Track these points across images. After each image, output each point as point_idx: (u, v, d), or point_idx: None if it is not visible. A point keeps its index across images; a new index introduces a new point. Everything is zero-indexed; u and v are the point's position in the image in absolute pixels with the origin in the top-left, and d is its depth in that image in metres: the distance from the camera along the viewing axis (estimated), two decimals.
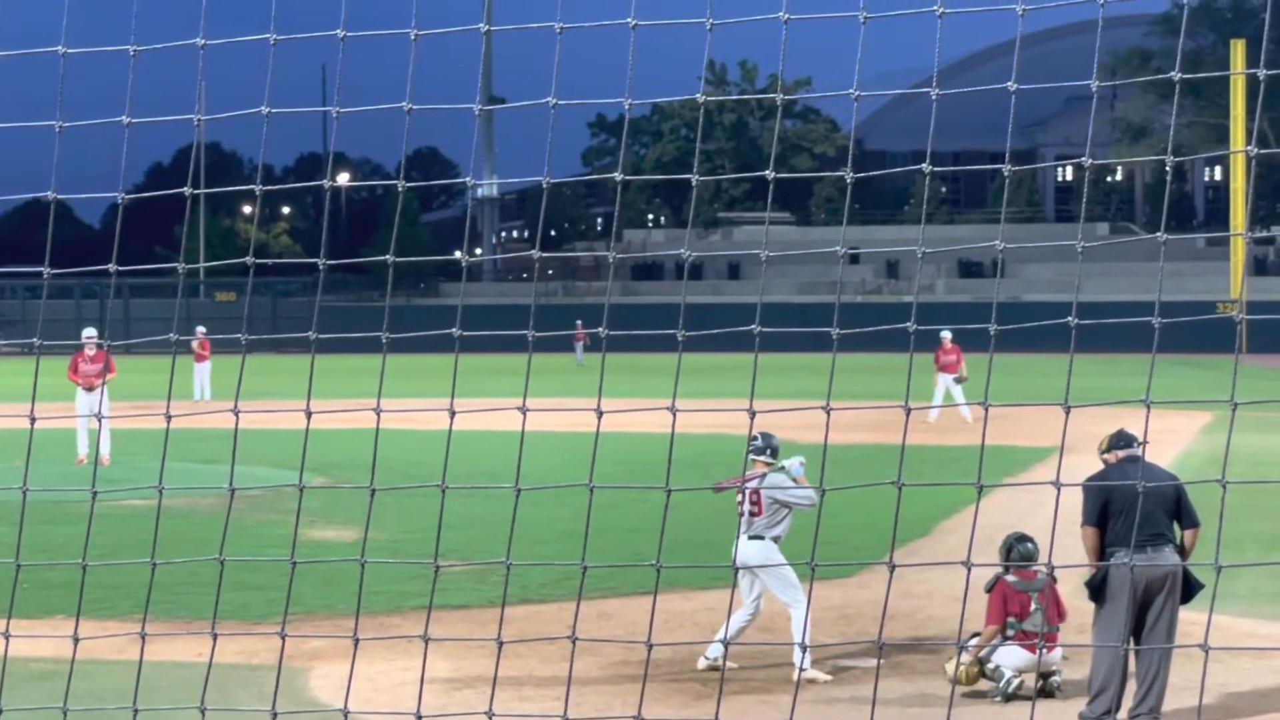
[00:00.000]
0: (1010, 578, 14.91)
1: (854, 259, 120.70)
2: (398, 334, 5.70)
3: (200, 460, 30.07)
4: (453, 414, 5.69)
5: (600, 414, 5.73)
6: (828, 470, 6.07)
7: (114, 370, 33.69)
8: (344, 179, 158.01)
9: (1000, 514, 24.05)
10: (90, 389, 32.15)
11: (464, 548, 20.80)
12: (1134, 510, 13.22)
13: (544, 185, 6.07)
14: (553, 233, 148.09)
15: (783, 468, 15.55)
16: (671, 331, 5.98)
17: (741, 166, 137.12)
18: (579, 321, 77.78)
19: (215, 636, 6.44)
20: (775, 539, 15.44)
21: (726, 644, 14.81)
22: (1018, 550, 14.96)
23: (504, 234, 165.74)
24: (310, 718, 12.88)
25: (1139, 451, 14.03)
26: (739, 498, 15.54)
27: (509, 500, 6.29)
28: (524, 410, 5.67)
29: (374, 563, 6.23)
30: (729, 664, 15.12)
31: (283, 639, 6.18)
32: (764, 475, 15.45)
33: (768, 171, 5.90)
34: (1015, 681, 14.41)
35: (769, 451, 15.60)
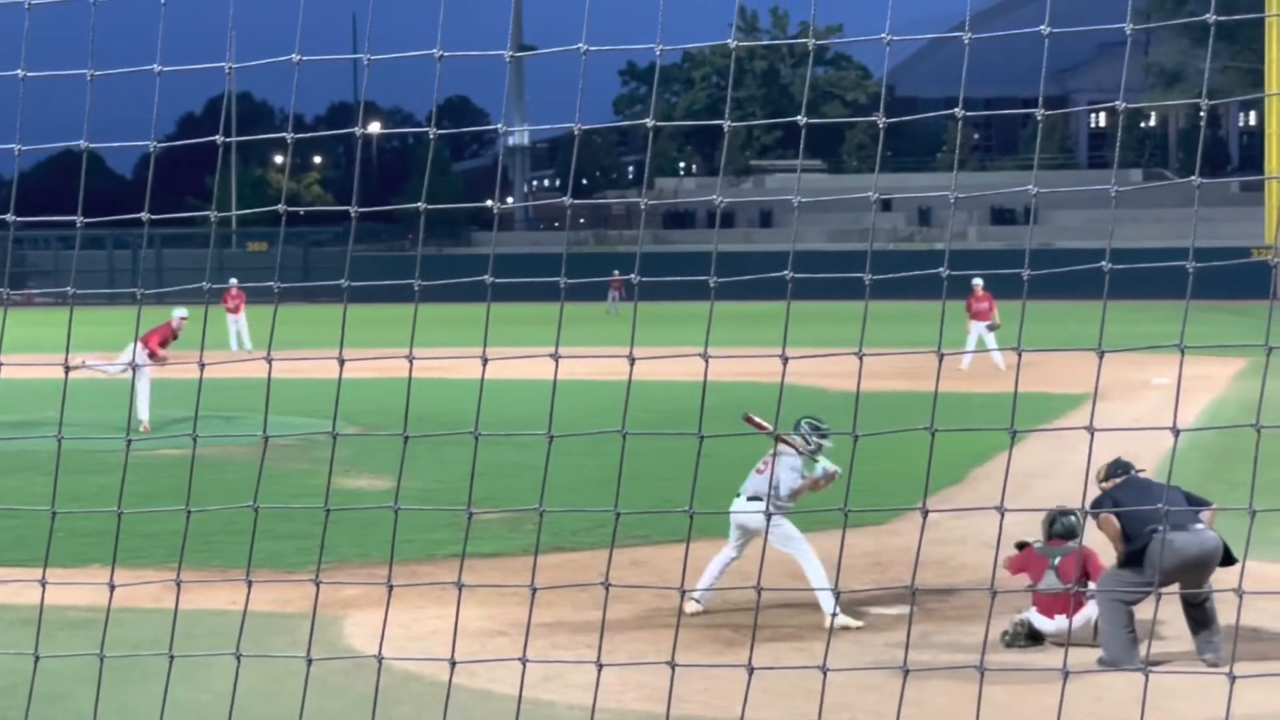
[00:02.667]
0: (1038, 544, 14.95)
1: (886, 206, 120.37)
2: (430, 282, 5.70)
3: (234, 410, 30.14)
4: (485, 361, 5.69)
5: (632, 361, 5.73)
6: (861, 417, 6.06)
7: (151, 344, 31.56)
8: (375, 128, 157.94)
9: (1033, 461, 24.03)
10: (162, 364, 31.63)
11: (497, 496, 20.85)
12: (1148, 513, 13.44)
13: (575, 132, 6.05)
14: (584, 181, 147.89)
15: (817, 464, 15.60)
16: (704, 277, 5.97)
17: (773, 114, 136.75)
18: (615, 271, 77.69)
19: (250, 584, 6.48)
20: (777, 506, 15.43)
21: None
22: (1060, 523, 14.94)
23: (535, 183, 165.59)
24: (345, 664, 12.93)
25: (1138, 475, 14.21)
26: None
27: (541, 449, 6.31)
28: (556, 358, 5.68)
29: (408, 510, 6.25)
30: (702, 609, 15.35)
31: (317, 586, 6.20)
32: (793, 452, 15.47)
33: (800, 117, 5.88)
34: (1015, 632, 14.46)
35: (813, 437, 15.61)
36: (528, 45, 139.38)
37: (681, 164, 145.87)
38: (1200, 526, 13.62)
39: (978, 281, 43.46)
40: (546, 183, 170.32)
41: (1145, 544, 13.47)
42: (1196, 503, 13.82)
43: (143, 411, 29.91)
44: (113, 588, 6.52)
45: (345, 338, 5.92)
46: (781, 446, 15.40)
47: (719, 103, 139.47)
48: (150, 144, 6.33)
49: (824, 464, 15.49)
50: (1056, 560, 14.67)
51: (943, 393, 5.69)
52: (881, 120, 5.79)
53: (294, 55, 6.02)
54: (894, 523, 19.55)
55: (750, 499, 15.52)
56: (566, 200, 6.15)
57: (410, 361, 5.75)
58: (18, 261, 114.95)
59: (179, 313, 31.78)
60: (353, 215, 6.22)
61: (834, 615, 14.40)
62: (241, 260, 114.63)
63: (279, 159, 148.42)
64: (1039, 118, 6.05)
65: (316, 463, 24.64)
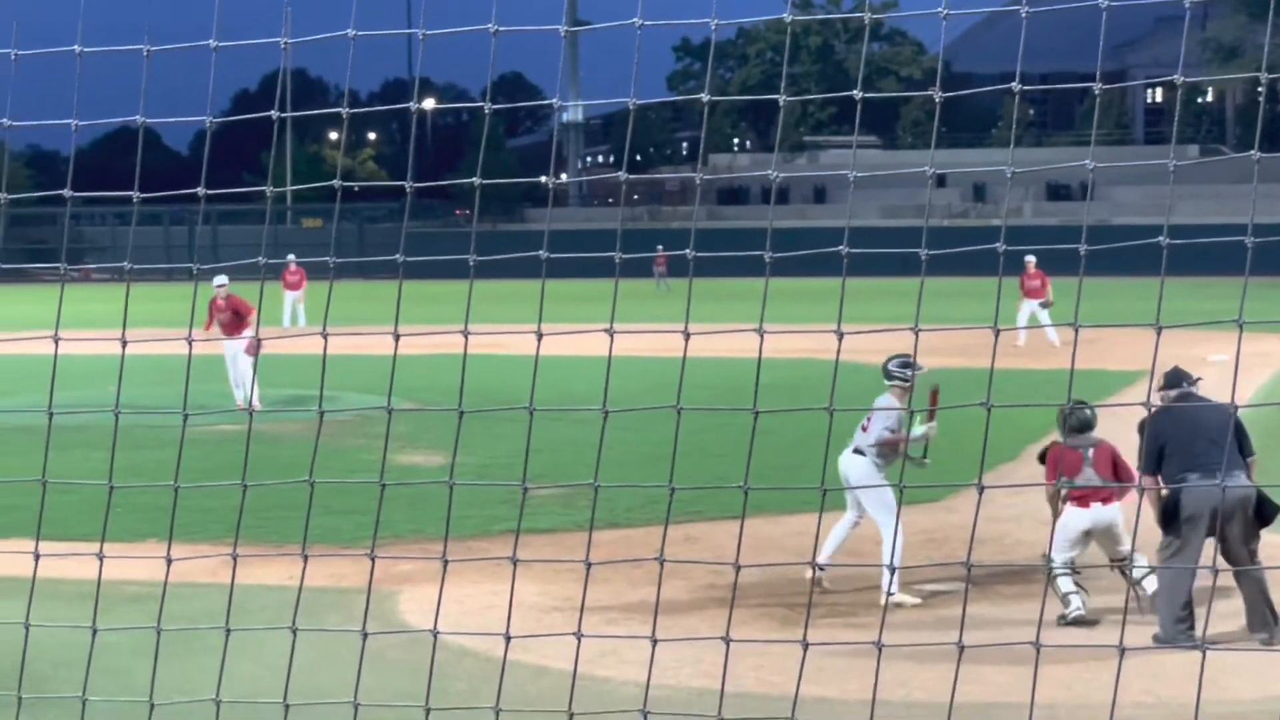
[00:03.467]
0: (1061, 442, 15.01)
1: (940, 182, 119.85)
2: (486, 257, 5.70)
3: (290, 386, 30.28)
4: (540, 336, 5.69)
5: (687, 336, 5.72)
6: (915, 394, 6.03)
7: (248, 314, 31.24)
8: (429, 104, 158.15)
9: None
10: (228, 337, 31.15)
11: (551, 471, 20.87)
12: (1187, 449, 13.35)
13: (630, 106, 6.03)
14: (638, 157, 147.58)
15: (918, 424, 15.71)
16: (759, 253, 5.95)
17: (827, 90, 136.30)
18: (659, 246, 77.71)
19: (306, 559, 6.49)
20: (874, 459, 15.54)
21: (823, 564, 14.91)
22: (1076, 417, 14.98)
23: (589, 159, 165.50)
24: (400, 639, 12.98)
25: (1192, 389, 14.17)
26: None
27: (595, 424, 6.30)
28: (611, 333, 5.67)
29: (463, 485, 6.26)
30: (826, 582, 15.40)
31: (373, 561, 6.22)
32: (895, 407, 15.60)
33: (856, 91, 5.85)
34: (1076, 613, 14.41)
35: (901, 375, 15.71)
36: (582, 20, 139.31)
37: (735, 140, 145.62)
38: (1236, 474, 13.55)
39: (1030, 259, 43.32)
40: (600, 159, 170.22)
41: (1176, 498, 13.43)
42: (1243, 443, 13.75)
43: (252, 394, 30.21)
44: (170, 561, 6.55)
45: (400, 313, 5.93)
46: (882, 399, 15.59)
47: (774, 78, 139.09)
48: (206, 120, 6.34)
49: (922, 428, 15.61)
50: (1090, 453, 14.75)
51: (999, 369, 5.66)
52: (939, 94, 5.76)
53: (349, 30, 6.02)
54: (949, 499, 19.51)
55: (855, 452, 15.70)
56: (622, 175, 6.12)
57: (466, 337, 5.75)
58: (75, 237, 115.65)
59: (218, 280, 31.48)
60: (408, 190, 6.21)
61: (890, 594, 14.40)
62: (297, 236, 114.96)
63: (334, 135, 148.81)
64: (1096, 93, 6.00)
65: (371, 438, 24.73)
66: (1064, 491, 14.58)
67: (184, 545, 16.35)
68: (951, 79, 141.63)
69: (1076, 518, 14.53)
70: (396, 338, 5.80)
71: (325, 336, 5.68)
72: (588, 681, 11.94)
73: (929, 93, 5.99)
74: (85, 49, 6.18)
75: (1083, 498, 14.58)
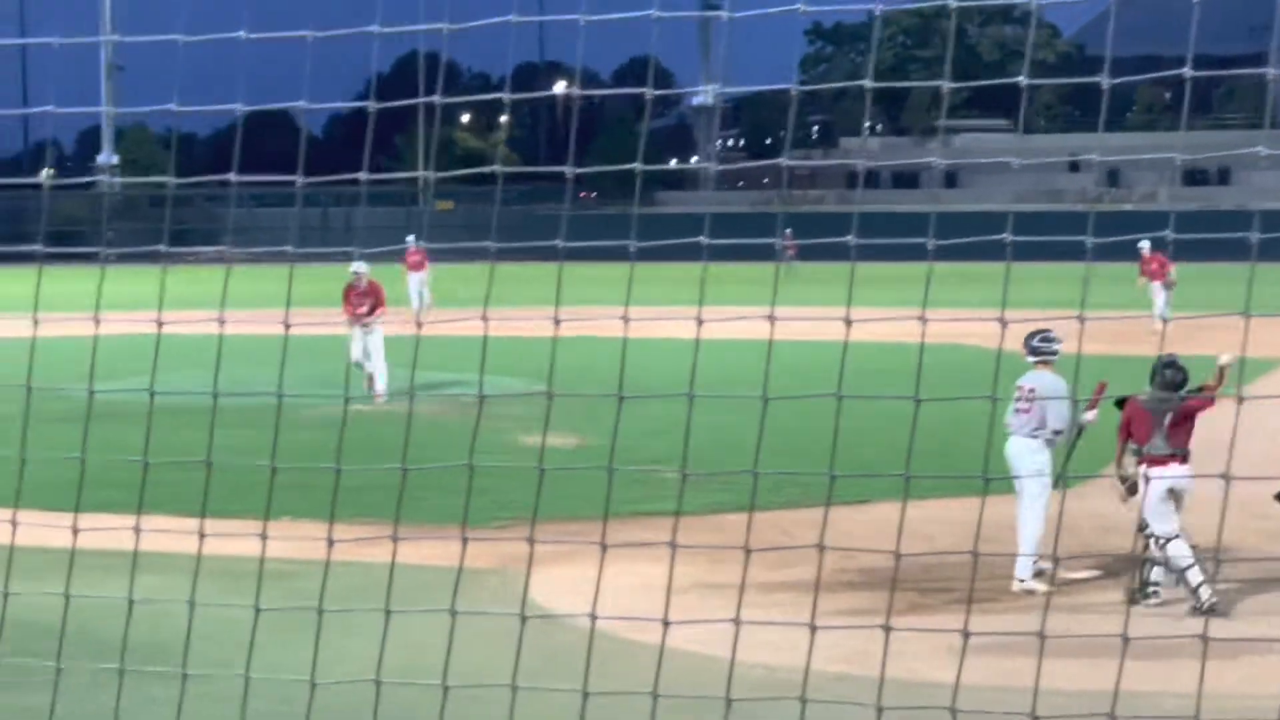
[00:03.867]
0: (1142, 396, 14.87)
1: (1073, 167, 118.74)
2: (646, 243, 5.69)
3: (423, 368, 30.41)
4: (700, 323, 5.69)
5: (849, 323, 5.70)
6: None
7: (383, 304, 31.95)
8: (560, 87, 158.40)
9: (1212, 429, 23.58)
10: (358, 323, 31.38)
11: (677, 455, 20.79)
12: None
13: (794, 93, 6.01)
14: (768, 141, 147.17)
15: (1081, 412, 15.67)
16: (921, 240, 5.92)
17: (959, 74, 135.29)
18: (788, 230, 77.74)
19: (465, 541, 6.54)
20: (1046, 440, 15.52)
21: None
22: (1162, 376, 14.87)
23: (721, 143, 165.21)
24: (530, 621, 13.02)
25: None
26: (1016, 395, 15.71)
27: (724, 408, 6.30)
28: (772, 319, 5.66)
29: (621, 469, 6.28)
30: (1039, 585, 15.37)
31: (531, 544, 6.25)
32: (1059, 390, 15.56)
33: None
34: (1211, 601, 14.32)
35: (1048, 350, 15.69)
36: (712, 4, 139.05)
37: (867, 124, 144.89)
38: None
39: (1144, 243, 43.23)
40: (732, 142, 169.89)
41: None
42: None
43: (379, 382, 30.81)
44: (332, 542, 6.62)
45: (561, 295, 5.96)
46: (1034, 378, 15.52)
47: (906, 62, 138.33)
48: (369, 104, 6.39)
49: (1085, 415, 15.58)
50: (1166, 419, 14.63)
51: (1139, 356, 5.60)
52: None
53: (510, 16, 6.03)
54: (1079, 486, 19.33)
55: (1030, 435, 15.66)
56: (783, 160, 6.09)
57: (625, 321, 5.76)
58: (212, 219, 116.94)
59: (356, 266, 32.07)
60: (569, 177, 6.22)
61: (1021, 580, 14.30)
62: (429, 218, 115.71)
63: (466, 118, 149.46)
64: (1268, 78, 5.90)
65: (502, 419, 24.81)
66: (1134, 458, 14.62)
67: (317, 524, 16.50)
68: (1085, 62, 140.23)
69: (1157, 480, 14.46)
70: (557, 321, 5.81)
71: (485, 320, 5.69)
72: (714, 663, 11.94)
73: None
74: (251, 35, 6.23)
75: (1158, 459, 14.51)
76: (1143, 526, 14.60)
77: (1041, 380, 15.65)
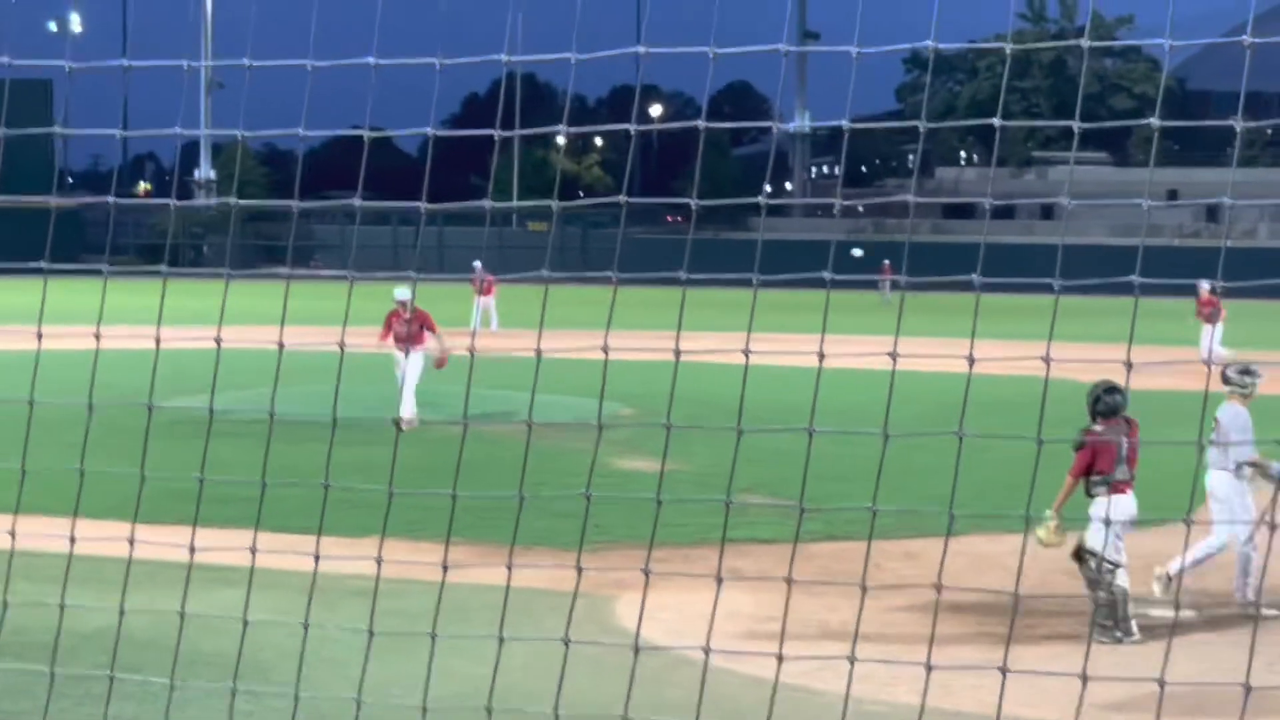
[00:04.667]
0: (1097, 428, 14.78)
1: (1172, 200, 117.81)
2: (770, 274, 5.66)
3: (498, 387, 30.40)
4: (822, 357, 5.66)
5: (972, 360, 5.65)
6: (1162, 417, 5.92)
7: (435, 329, 30.12)
8: (656, 110, 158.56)
9: None
10: (403, 351, 29.69)
11: (770, 483, 20.78)
12: None
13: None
14: (863, 169, 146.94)
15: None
16: (1048, 279, 5.87)
17: (1058, 105, 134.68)
18: (886, 261, 77.72)
19: (580, 570, 6.50)
20: (1236, 473, 15.53)
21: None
22: (1105, 401, 14.79)
23: (815, 169, 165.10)
24: (620, 646, 13.01)
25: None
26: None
27: (819, 436, 6.26)
28: (894, 355, 5.63)
29: (740, 502, 6.25)
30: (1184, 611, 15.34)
31: (646, 576, 6.20)
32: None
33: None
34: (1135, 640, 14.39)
35: (1239, 383, 15.77)
36: (811, 33, 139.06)
37: (962, 154, 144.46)
38: None
39: (1204, 283, 42.91)
40: (825, 169, 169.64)
41: None
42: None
43: (405, 408, 28.81)
44: (446, 566, 6.63)
45: (613, 319, 5.94)
46: (1225, 410, 15.54)
47: (1004, 93, 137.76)
48: (428, 130, 6.40)
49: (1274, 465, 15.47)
50: (1125, 445, 14.63)
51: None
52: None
53: (570, 54, 6.04)
54: (1171, 524, 19.17)
55: (1220, 467, 15.72)
56: (909, 198, 6.06)
57: (749, 350, 5.74)
58: (305, 235, 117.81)
59: (399, 293, 30.03)
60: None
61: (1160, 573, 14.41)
62: (522, 239, 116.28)
63: (561, 140, 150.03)
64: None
65: (589, 442, 24.81)
66: (1095, 481, 14.59)
67: (403, 542, 16.57)
68: (1187, 97, 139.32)
69: (1126, 506, 14.55)
70: (678, 353, 5.79)
71: (539, 345, 5.68)
72: (804, 695, 11.91)
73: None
74: (316, 63, 6.26)
75: (1122, 485, 14.58)
76: (1091, 557, 14.51)
77: (1225, 414, 15.82)
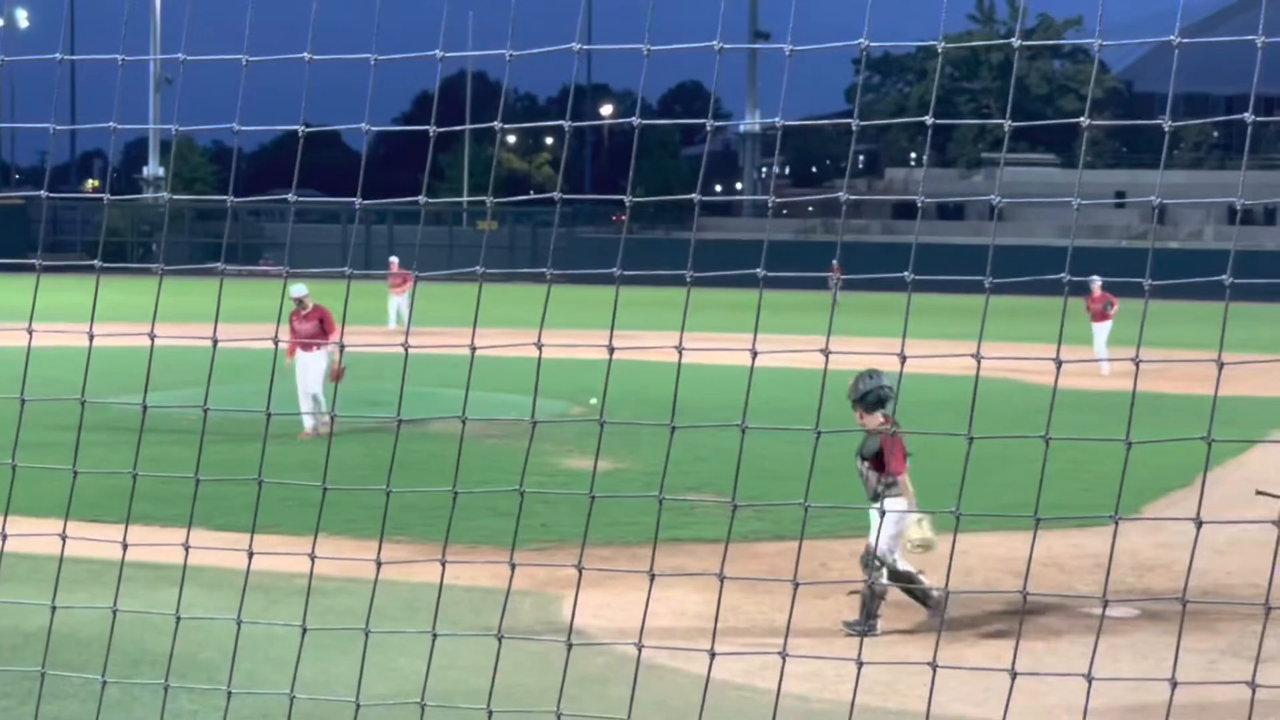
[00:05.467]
0: (887, 426, 14.68)
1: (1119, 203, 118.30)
2: (718, 272, 5.68)
3: (433, 384, 30.35)
4: (755, 354, 5.67)
5: (903, 358, 5.67)
6: (1087, 416, 5.95)
7: (333, 328, 27.25)
8: (606, 109, 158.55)
9: (1265, 467, 23.51)
10: (306, 350, 27.31)
11: (717, 481, 20.80)
12: None
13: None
14: (813, 169, 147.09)
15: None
16: (977, 277, 5.89)
17: (1006, 106, 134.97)
18: (834, 261, 78.16)
19: (513, 567, 6.51)
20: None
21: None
22: (877, 393, 14.61)
23: (764, 169, 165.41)
24: (589, 649, 12.99)
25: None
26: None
27: (760, 436, 6.29)
28: (826, 353, 5.64)
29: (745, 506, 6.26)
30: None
31: (580, 570, 6.22)
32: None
33: (850, 121, 5.78)
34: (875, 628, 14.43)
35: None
36: (762, 33, 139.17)
37: (912, 155, 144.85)
38: None
39: (1096, 280, 41.61)
40: (775, 169, 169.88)
41: None
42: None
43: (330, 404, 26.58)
44: (443, 565, 6.63)
45: (615, 321, 5.95)
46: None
47: (953, 94, 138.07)
48: (364, 125, 6.39)
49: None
50: (903, 443, 14.62)
51: (1185, 394, 5.58)
52: (930, 120, 5.66)
53: (506, 50, 6.04)
54: (1121, 524, 19.26)
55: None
56: (843, 196, 6.08)
57: (680, 350, 5.75)
58: (254, 233, 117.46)
59: (295, 290, 27.77)
60: (558, 200, 6.21)
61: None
62: (472, 238, 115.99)
63: (511, 139, 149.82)
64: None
65: (539, 441, 24.82)
66: (880, 476, 14.52)
67: (351, 541, 16.54)
68: (1134, 99, 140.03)
69: (907, 506, 14.52)
70: (611, 349, 5.79)
71: (540, 345, 5.67)
72: (750, 694, 11.93)
73: (922, 119, 5.90)
74: (251, 58, 6.24)
75: (900, 485, 14.54)
76: (874, 557, 14.47)
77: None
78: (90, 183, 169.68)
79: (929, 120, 5.60)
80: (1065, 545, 17.90)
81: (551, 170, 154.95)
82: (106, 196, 6.62)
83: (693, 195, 5.91)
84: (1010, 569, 16.61)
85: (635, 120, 5.69)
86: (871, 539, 14.37)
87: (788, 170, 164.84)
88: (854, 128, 5.62)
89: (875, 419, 14.51)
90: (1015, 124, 5.52)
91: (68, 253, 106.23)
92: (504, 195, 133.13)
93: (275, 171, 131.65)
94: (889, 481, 14.51)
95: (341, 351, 25.12)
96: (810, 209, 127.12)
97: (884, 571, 14.39)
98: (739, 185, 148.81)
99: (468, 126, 5.45)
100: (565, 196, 5.93)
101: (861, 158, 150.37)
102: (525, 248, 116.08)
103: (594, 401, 25.79)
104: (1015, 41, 5.61)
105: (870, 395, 14.50)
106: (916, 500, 14.44)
